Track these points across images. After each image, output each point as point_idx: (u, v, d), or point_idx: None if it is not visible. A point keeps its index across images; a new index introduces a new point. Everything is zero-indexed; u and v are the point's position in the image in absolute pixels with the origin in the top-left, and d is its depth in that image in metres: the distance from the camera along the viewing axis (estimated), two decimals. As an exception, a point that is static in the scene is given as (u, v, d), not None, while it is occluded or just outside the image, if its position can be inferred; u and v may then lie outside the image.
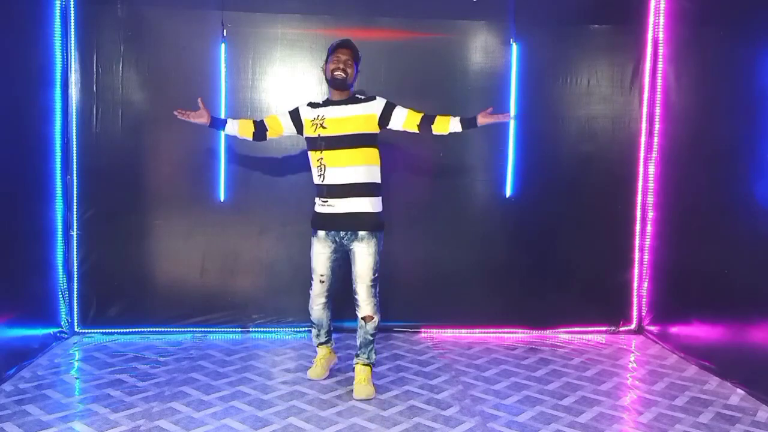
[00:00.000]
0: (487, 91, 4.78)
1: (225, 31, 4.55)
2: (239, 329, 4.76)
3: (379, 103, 3.58)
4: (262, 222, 4.74)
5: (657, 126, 4.77)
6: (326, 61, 3.62)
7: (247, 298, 4.77)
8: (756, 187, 3.64)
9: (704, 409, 3.47)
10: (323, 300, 3.74)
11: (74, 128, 4.49)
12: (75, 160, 4.50)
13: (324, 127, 3.56)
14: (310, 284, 3.74)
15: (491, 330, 4.88)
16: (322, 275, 3.68)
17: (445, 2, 4.76)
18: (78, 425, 3.14)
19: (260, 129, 3.78)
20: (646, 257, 4.88)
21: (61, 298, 4.49)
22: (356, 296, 3.61)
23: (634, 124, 4.87)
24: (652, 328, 4.83)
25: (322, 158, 3.56)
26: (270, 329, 4.78)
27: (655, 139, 4.78)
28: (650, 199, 4.83)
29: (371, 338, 3.66)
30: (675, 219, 4.57)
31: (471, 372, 4.03)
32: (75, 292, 4.56)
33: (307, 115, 3.67)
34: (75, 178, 4.51)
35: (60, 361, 4.09)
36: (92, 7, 4.47)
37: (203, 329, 4.72)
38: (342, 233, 3.58)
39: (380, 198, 3.62)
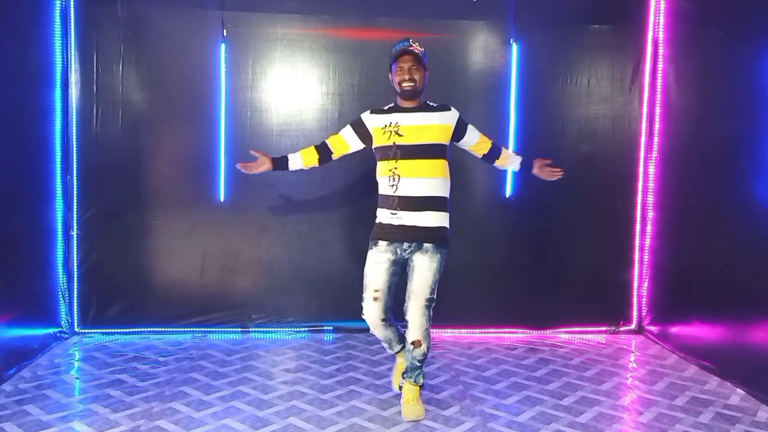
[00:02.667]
0: (487, 91, 4.79)
1: (225, 31, 4.55)
2: (239, 329, 4.76)
3: (453, 115, 3.41)
4: (262, 222, 4.73)
5: (657, 126, 4.77)
6: (390, 70, 3.39)
7: (247, 298, 4.77)
8: (756, 187, 3.64)
9: (704, 409, 3.47)
10: (382, 322, 3.41)
11: (74, 128, 4.49)
12: (75, 160, 4.50)
13: (400, 135, 3.32)
14: (361, 306, 3.41)
15: (491, 330, 4.88)
16: (377, 290, 3.33)
17: (445, 2, 4.76)
18: (78, 425, 3.14)
19: (324, 153, 3.58)
20: (646, 257, 4.88)
21: (61, 298, 4.49)
22: (407, 316, 3.32)
23: (634, 124, 4.87)
24: (652, 328, 4.83)
25: (396, 168, 3.30)
26: (270, 329, 4.78)
27: (655, 139, 4.78)
28: (650, 199, 4.82)
29: (419, 364, 3.36)
30: (675, 219, 4.57)
31: (471, 372, 4.03)
32: (75, 292, 4.56)
33: (375, 123, 3.41)
34: (75, 178, 4.51)
35: (60, 361, 4.09)
36: (92, 7, 4.47)
37: (203, 329, 4.72)
38: (405, 244, 3.31)
39: (449, 214, 3.38)
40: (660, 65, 4.73)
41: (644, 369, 4.20)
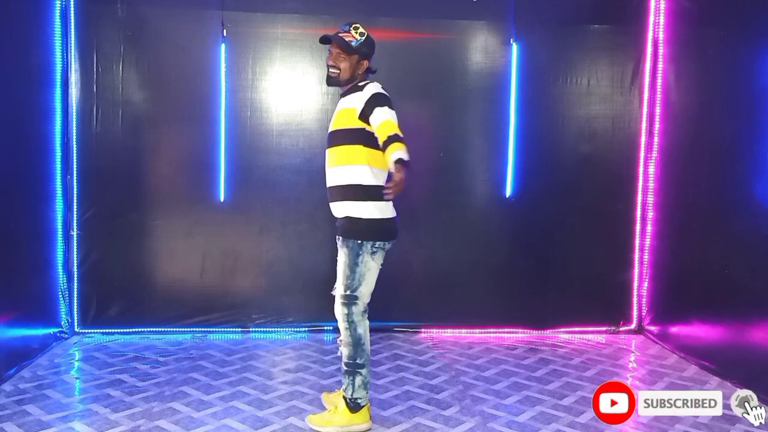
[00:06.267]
0: (487, 91, 4.79)
1: (225, 31, 4.55)
2: (239, 329, 4.76)
3: (362, 96, 3.06)
4: (262, 222, 4.73)
5: (657, 126, 4.77)
6: None
7: (247, 298, 4.77)
8: (756, 187, 3.64)
9: (704, 409, 3.46)
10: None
11: (74, 128, 4.49)
12: (75, 160, 4.49)
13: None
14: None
15: (491, 330, 4.88)
16: (335, 285, 3.27)
17: (445, 2, 4.76)
18: (78, 425, 3.13)
19: None
20: (646, 257, 4.87)
21: (61, 298, 4.49)
22: None
23: (634, 124, 4.87)
24: (652, 328, 4.83)
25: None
26: (270, 329, 4.78)
27: (655, 139, 4.78)
28: (650, 199, 4.82)
29: (346, 368, 3.12)
30: (675, 219, 4.57)
31: (471, 372, 4.03)
32: (75, 292, 4.56)
33: None
34: (75, 178, 4.50)
35: (60, 361, 4.09)
36: (92, 7, 4.47)
37: (203, 329, 4.71)
38: (338, 238, 3.20)
39: (368, 202, 3.06)
40: (660, 65, 4.73)
41: (644, 369, 4.20)
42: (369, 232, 3.07)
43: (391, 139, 2.86)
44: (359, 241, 3.07)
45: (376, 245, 3.08)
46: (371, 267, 3.09)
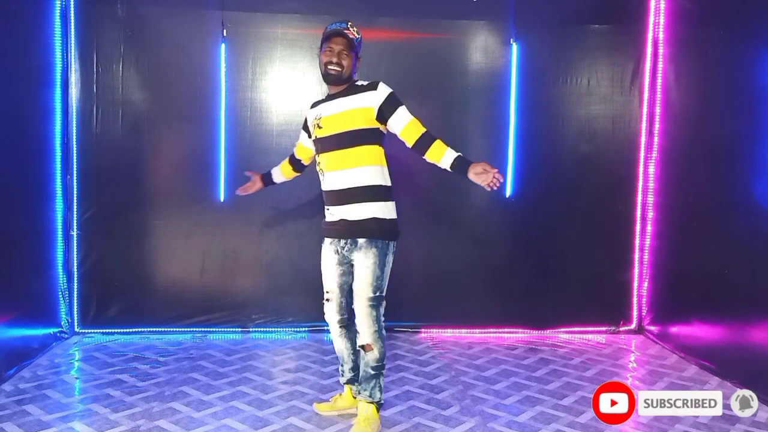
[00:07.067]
0: (487, 91, 4.79)
1: (225, 31, 4.56)
2: (239, 329, 4.76)
3: (377, 95, 3.02)
4: (262, 222, 4.74)
5: (657, 126, 4.77)
6: (320, 50, 3.15)
7: (247, 298, 4.77)
8: (756, 187, 3.64)
9: (704, 409, 3.46)
10: (337, 325, 3.24)
11: (74, 128, 4.49)
12: (75, 160, 4.50)
13: (320, 128, 3.12)
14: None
15: (491, 330, 4.88)
16: (328, 291, 3.21)
17: (445, 2, 4.76)
18: (78, 425, 3.13)
19: (295, 162, 3.57)
20: (646, 257, 4.88)
21: (61, 298, 4.49)
22: (356, 318, 3.10)
23: (634, 124, 4.87)
24: (652, 328, 4.83)
25: (320, 162, 3.14)
26: (270, 329, 4.78)
27: (655, 139, 4.78)
28: (650, 199, 4.83)
29: (373, 373, 3.09)
30: (675, 219, 4.57)
31: (471, 372, 4.03)
32: (75, 292, 4.56)
33: (309, 117, 3.26)
34: (75, 178, 4.51)
35: (60, 361, 4.09)
36: (92, 7, 4.48)
37: (203, 329, 4.72)
38: (342, 241, 3.10)
39: (388, 202, 3.09)
40: (660, 65, 4.73)
41: (644, 369, 4.20)
42: (393, 232, 3.11)
43: (428, 139, 2.98)
44: (387, 241, 3.08)
45: (395, 244, 3.15)
46: (391, 266, 3.13)
